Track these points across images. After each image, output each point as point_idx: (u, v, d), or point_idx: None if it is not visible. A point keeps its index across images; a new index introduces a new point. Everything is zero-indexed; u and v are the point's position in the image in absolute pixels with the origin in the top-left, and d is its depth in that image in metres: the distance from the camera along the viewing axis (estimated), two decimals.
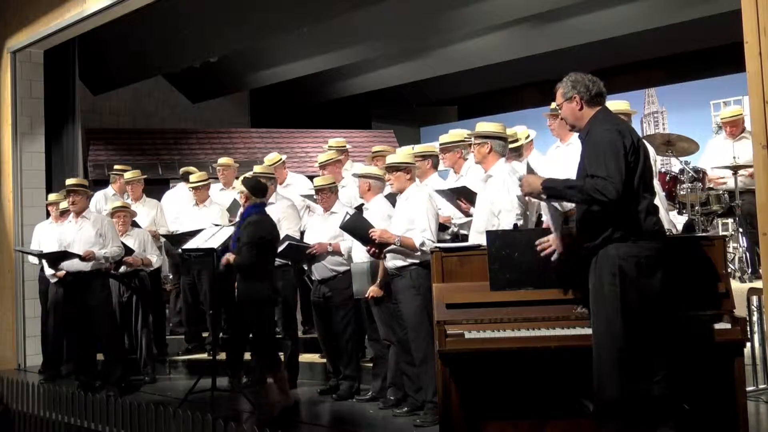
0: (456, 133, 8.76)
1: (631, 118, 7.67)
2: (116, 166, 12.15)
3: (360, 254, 8.13)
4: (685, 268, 5.76)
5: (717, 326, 5.63)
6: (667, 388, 5.28)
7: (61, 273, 9.98)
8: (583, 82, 5.57)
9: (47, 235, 10.78)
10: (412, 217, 7.52)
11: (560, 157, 8.05)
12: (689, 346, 5.60)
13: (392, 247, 7.51)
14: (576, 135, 7.95)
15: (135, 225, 10.59)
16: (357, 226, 7.84)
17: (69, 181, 10.19)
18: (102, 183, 12.98)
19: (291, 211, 9.71)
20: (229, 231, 8.91)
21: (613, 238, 5.29)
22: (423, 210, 7.50)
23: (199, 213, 10.84)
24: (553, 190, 5.43)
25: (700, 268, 5.85)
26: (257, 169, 9.96)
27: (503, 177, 6.92)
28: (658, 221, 5.39)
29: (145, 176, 11.80)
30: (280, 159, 11.06)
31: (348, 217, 7.99)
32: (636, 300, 5.20)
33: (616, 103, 7.76)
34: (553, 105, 8.33)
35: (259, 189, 8.51)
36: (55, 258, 9.86)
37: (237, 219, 9.43)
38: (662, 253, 5.27)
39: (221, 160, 11.58)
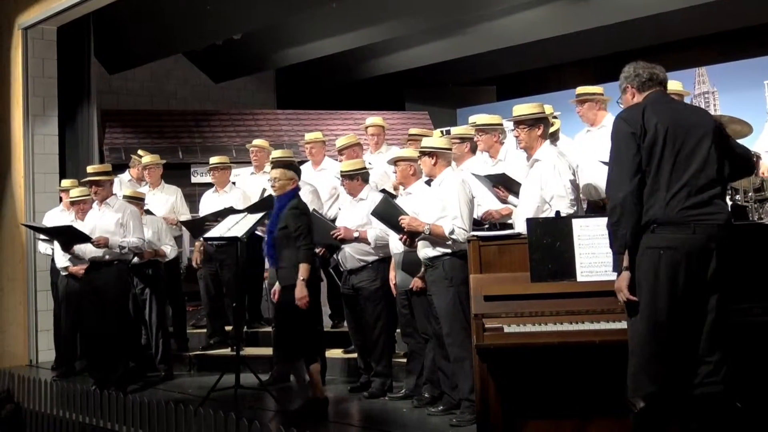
0: (492, 117, 8.70)
1: (683, 99, 7.62)
2: (139, 151, 12.06)
3: (396, 244, 8.07)
4: (738, 257, 5.63)
5: None
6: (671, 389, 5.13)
7: (74, 269, 10.00)
8: (634, 71, 5.54)
9: (57, 223, 10.62)
10: (444, 203, 7.47)
11: (592, 141, 8.06)
12: (742, 341, 5.55)
13: (423, 235, 7.47)
14: (608, 117, 8.01)
15: (148, 212, 10.54)
16: (388, 213, 7.81)
17: (89, 169, 10.07)
18: (119, 167, 12.62)
19: (313, 197, 9.76)
20: (254, 219, 8.86)
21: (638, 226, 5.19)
22: (455, 196, 7.43)
23: (218, 200, 10.72)
24: (616, 255, 5.27)
25: (754, 257, 5.78)
26: (276, 153, 9.93)
27: (552, 161, 6.82)
28: (686, 209, 5.11)
29: (164, 161, 11.77)
30: (321, 138, 10.94)
31: (379, 203, 7.94)
32: (650, 298, 5.08)
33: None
34: (578, 90, 8.37)
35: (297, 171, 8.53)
36: (65, 235, 9.72)
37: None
38: (687, 244, 5.06)
39: (255, 142, 11.45)
